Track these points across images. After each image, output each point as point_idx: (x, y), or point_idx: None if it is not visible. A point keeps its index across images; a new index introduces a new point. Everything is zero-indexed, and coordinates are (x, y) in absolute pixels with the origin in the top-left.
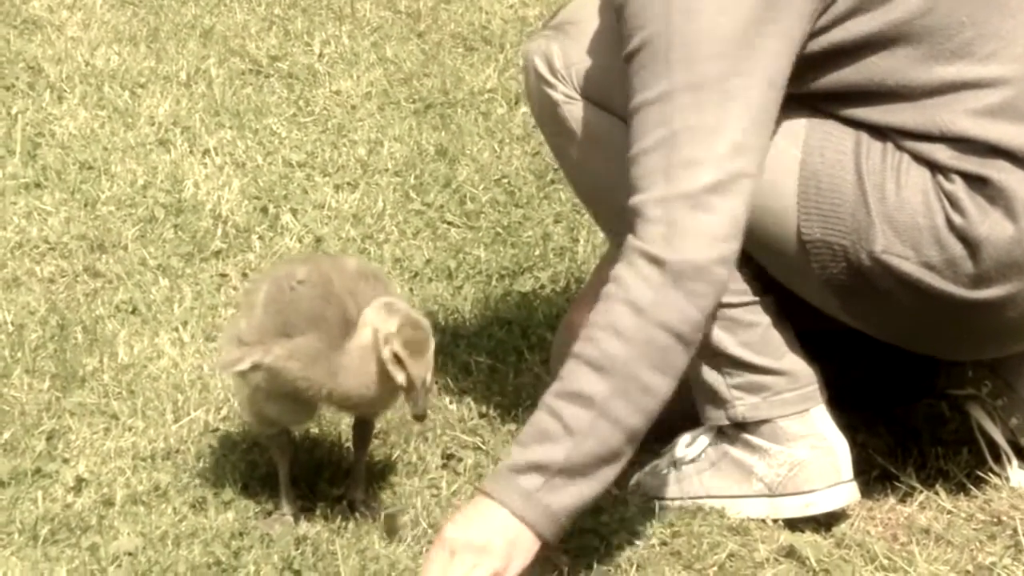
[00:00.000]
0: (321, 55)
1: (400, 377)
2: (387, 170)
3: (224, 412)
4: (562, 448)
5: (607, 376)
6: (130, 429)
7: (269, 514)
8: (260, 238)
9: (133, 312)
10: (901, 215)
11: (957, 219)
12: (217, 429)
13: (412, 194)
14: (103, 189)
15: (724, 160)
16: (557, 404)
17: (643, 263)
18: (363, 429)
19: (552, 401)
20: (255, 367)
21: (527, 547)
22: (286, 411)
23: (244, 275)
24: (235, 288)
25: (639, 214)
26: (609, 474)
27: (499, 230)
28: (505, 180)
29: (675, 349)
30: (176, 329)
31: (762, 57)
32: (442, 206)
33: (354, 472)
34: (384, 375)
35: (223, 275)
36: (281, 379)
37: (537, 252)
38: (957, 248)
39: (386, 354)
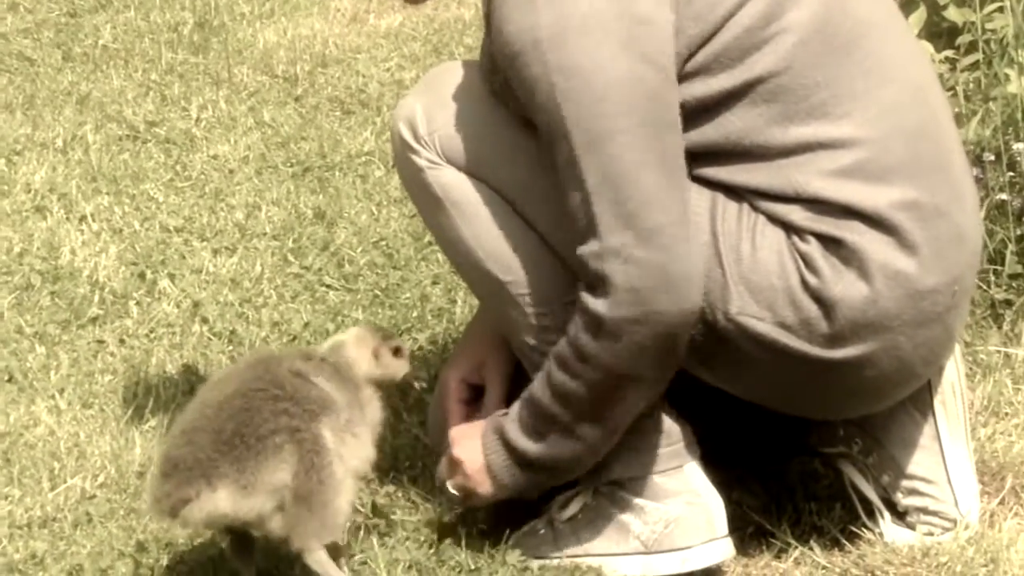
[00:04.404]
0: (198, 120)
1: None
2: (265, 234)
3: (101, 479)
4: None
5: (569, 406)
6: (6, 498)
7: None
8: (138, 304)
9: (9, 380)
10: (756, 276)
11: (812, 280)
12: (94, 496)
13: (290, 257)
14: None
15: (637, 215)
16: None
17: (585, 317)
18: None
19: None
20: None
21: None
22: None
23: (121, 341)
24: (112, 355)
25: (583, 265)
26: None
27: (377, 292)
28: (383, 242)
29: (626, 384)
30: (53, 396)
31: (650, 102)
32: (320, 269)
33: None
34: None
35: (100, 342)
36: None
37: (415, 314)
38: (812, 308)
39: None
